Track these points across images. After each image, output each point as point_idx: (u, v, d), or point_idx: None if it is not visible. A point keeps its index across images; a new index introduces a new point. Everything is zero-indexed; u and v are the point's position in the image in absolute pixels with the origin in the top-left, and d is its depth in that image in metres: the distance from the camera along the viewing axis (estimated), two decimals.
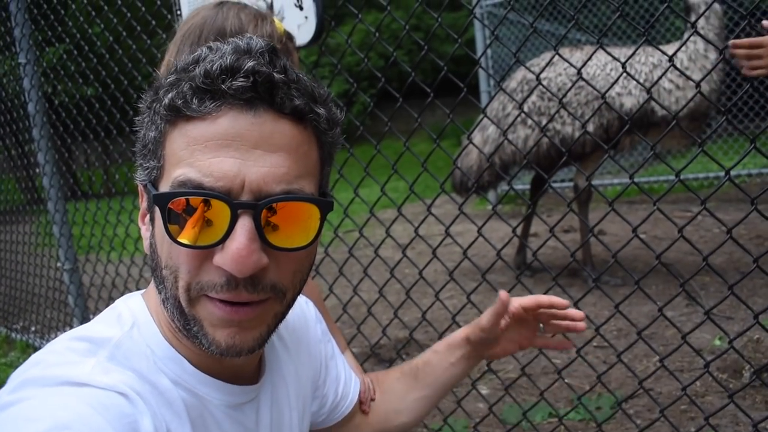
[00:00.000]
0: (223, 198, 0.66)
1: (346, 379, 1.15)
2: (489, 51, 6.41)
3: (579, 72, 1.46)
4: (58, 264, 3.23)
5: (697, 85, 1.31)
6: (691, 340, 2.81)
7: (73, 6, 2.87)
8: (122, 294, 0.86)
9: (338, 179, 2.04)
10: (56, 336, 0.78)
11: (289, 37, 1.35)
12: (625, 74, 3.29)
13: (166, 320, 0.77)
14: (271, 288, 0.71)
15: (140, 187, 0.78)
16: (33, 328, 3.99)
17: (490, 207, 6.65)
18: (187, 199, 0.66)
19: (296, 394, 0.97)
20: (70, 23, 2.92)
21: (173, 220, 0.67)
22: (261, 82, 0.67)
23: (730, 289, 1.43)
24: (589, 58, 1.56)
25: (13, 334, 4.07)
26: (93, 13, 2.73)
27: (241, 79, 0.66)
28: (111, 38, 2.65)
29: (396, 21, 1.78)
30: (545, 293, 1.77)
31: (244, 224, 0.66)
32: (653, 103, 3.22)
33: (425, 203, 1.88)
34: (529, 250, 4.03)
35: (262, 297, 0.71)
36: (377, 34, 1.84)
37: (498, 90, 4.31)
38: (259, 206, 0.66)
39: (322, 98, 0.74)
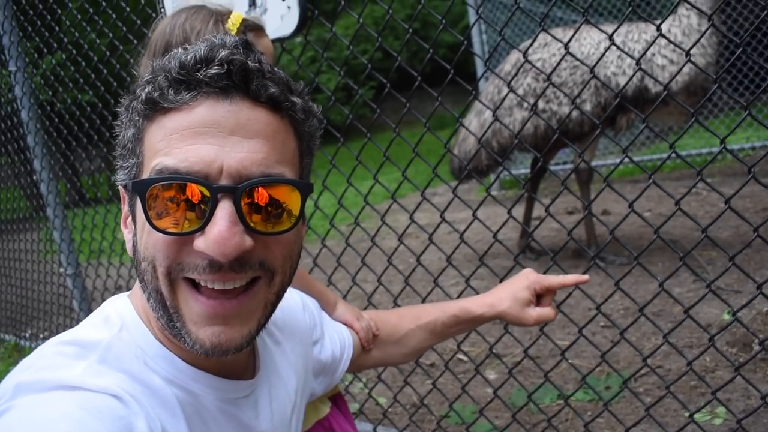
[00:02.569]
0: (202, 182, 0.66)
1: (341, 346, 1.20)
2: (484, 36, 6.37)
3: (566, 46, 1.44)
4: (61, 269, 3.23)
5: (687, 53, 1.28)
6: (700, 316, 2.82)
7: (65, 18, 2.85)
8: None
9: (329, 170, 2.02)
10: None
11: (251, 27, 1.32)
12: (618, 54, 3.26)
13: (155, 319, 0.76)
14: (259, 265, 0.70)
15: (122, 191, 0.78)
16: (41, 336, 4.00)
17: (494, 193, 6.62)
18: (166, 186, 0.66)
19: (294, 387, 0.97)
20: (61, 31, 2.91)
21: (152, 209, 0.67)
22: (235, 70, 0.68)
23: (731, 260, 1.40)
24: (574, 35, 1.54)
25: (23, 342, 4.09)
26: (85, 22, 2.71)
27: (215, 68, 0.67)
28: (107, 39, 2.63)
29: (395, 12, 1.75)
30: (545, 272, 1.76)
31: (225, 208, 0.66)
32: (647, 81, 3.18)
33: (419, 189, 1.85)
34: (527, 232, 4.02)
35: (251, 275, 0.70)
36: (360, 21, 1.82)
37: (485, 73, 4.27)
38: (239, 189, 0.66)
39: (297, 90, 0.76)
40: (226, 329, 0.70)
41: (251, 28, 1.33)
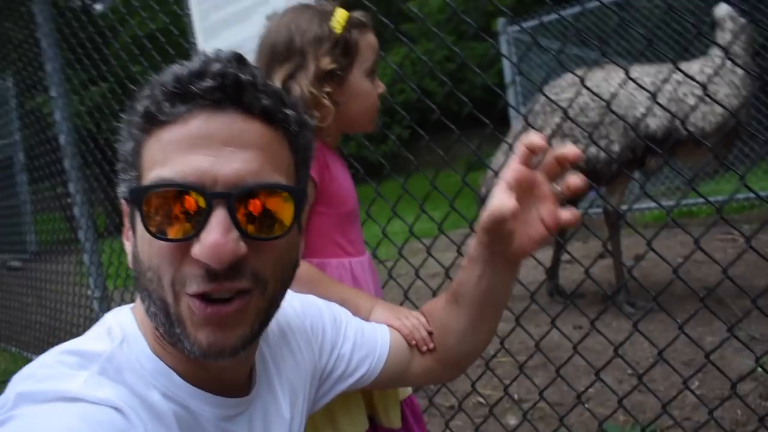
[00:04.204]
0: (197, 189, 0.67)
1: (363, 343, 1.08)
2: (517, 77, 6.40)
3: (582, 81, 1.43)
4: (89, 292, 3.29)
5: (704, 87, 1.25)
6: (732, 367, 2.70)
7: (107, 50, 2.97)
8: None
9: (365, 220, 1.98)
10: None
11: (356, 24, 1.30)
12: (648, 95, 3.22)
13: (152, 332, 0.77)
14: (252, 276, 0.71)
15: (123, 204, 0.80)
16: None
17: None
18: (162, 196, 0.68)
19: (289, 402, 0.94)
20: (101, 59, 3.03)
21: (149, 217, 0.69)
22: (228, 83, 0.70)
23: (753, 302, 1.34)
24: (586, 74, 1.52)
25: None
26: (126, 55, 2.82)
27: (208, 81, 0.69)
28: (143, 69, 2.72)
29: (429, 53, 1.77)
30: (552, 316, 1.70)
31: (219, 215, 0.67)
32: (677, 121, 3.13)
33: (454, 242, 1.83)
34: (554, 274, 3.91)
35: (244, 286, 0.71)
36: (386, 51, 1.84)
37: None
38: (233, 195, 0.68)
39: (291, 103, 0.77)
40: (222, 330, 0.71)
41: (356, 24, 1.31)
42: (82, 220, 3.13)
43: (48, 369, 0.69)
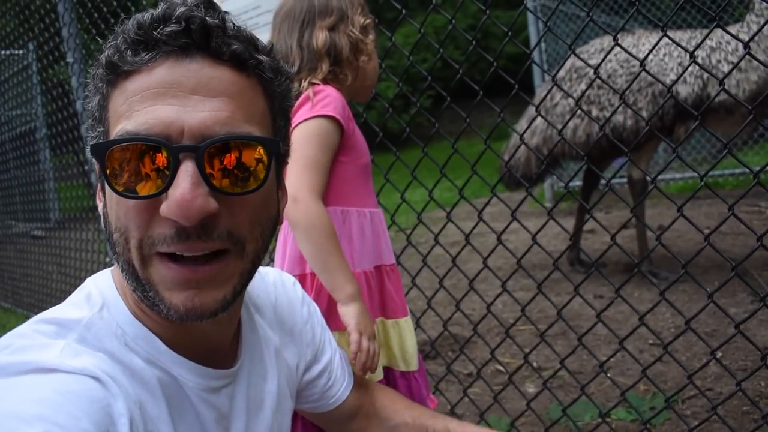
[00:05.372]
0: (162, 143, 0.63)
1: (336, 369, 1.08)
2: (543, 45, 6.26)
3: (615, 38, 1.36)
4: (107, 259, 3.31)
5: (746, 45, 1.18)
6: (757, 338, 2.64)
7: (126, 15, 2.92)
8: None
9: (384, 184, 1.94)
10: None
11: None
12: (679, 61, 3.12)
13: (132, 296, 0.74)
14: (227, 235, 0.68)
15: (95, 164, 0.76)
16: None
17: (547, 205, 6.46)
18: (126, 150, 0.64)
19: (280, 376, 0.93)
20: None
21: (114, 175, 0.65)
22: (195, 27, 0.66)
23: None
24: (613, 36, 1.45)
25: None
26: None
27: (173, 25, 0.65)
28: None
29: (456, 22, 1.75)
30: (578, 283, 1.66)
31: (187, 169, 0.64)
32: (710, 89, 3.02)
33: (475, 207, 1.78)
34: (575, 243, 3.85)
35: (218, 246, 0.67)
36: (422, 31, 1.81)
37: (549, 81, 4.20)
38: (201, 148, 0.64)
39: (264, 48, 0.73)
40: (199, 293, 0.67)
41: None
42: None
43: (24, 339, 0.67)
